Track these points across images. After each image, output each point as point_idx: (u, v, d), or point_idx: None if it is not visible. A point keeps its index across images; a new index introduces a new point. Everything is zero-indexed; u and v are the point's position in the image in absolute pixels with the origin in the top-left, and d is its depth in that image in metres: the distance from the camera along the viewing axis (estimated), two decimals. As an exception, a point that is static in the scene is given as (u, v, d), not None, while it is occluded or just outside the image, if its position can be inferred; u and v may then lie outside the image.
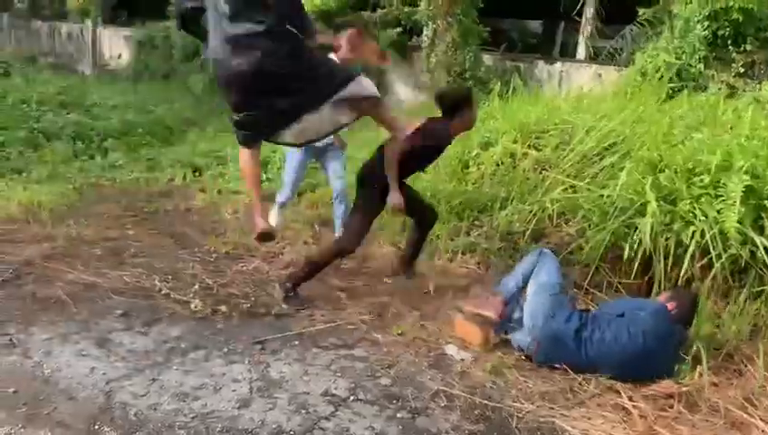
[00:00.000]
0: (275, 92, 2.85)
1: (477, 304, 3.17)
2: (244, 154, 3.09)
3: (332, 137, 3.87)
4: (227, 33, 2.74)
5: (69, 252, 3.99)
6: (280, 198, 4.43)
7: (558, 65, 9.93)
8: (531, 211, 4.28)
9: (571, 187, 4.28)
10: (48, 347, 2.86)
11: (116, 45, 12.53)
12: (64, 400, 2.49)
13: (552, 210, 4.20)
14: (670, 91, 6.70)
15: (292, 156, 4.26)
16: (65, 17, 13.53)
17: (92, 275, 3.65)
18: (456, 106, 3.58)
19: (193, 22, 2.97)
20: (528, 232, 4.20)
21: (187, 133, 7.41)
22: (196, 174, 6.07)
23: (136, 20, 12.08)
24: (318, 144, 3.85)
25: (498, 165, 5.01)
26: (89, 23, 12.71)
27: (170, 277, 3.72)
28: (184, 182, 5.86)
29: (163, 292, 3.49)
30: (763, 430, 2.53)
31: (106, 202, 5.14)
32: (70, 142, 6.41)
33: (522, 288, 3.14)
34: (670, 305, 2.96)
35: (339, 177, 4.25)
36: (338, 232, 4.23)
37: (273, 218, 4.32)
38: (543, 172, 4.72)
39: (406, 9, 10.56)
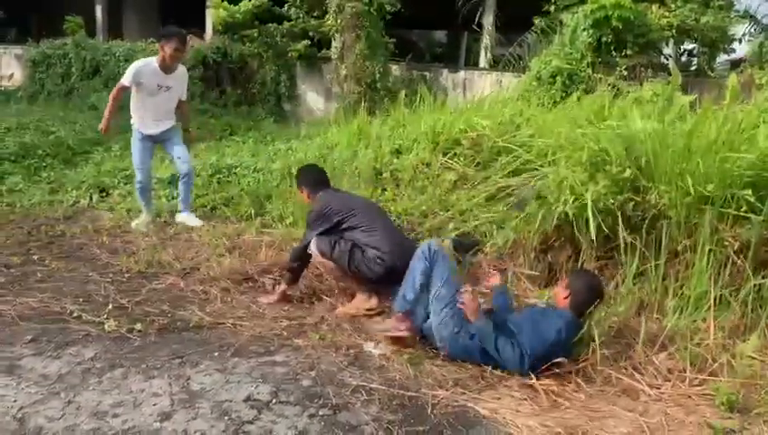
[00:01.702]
0: None
1: (388, 330, 3.25)
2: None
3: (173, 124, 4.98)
4: None
5: (-32, 281, 3.81)
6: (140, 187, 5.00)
7: (461, 73, 10.39)
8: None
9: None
10: (-49, 380, 2.74)
11: (7, 64, 11.89)
12: (-28, 431, 2.40)
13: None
14: (563, 94, 7.23)
15: (139, 146, 4.90)
16: (-52, 36, 12.70)
17: (-4, 303, 3.51)
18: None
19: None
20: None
21: (91, 153, 7.16)
22: (104, 194, 5.90)
23: (28, 38, 11.50)
24: (160, 131, 4.90)
25: (414, 172, 5.21)
26: (-26, 41, 12.01)
27: (81, 300, 3.63)
28: (90, 203, 5.68)
29: (75, 314, 3.41)
30: (648, 393, 2.83)
31: (6, 228, 4.91)
32: (-39, 168, 6.07)
33: (421, 291, 3.23)
34: (565, 293, 3.10)
35: (185, 161, 4.95)
36: (182, 207, 5.00)
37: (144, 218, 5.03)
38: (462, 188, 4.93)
39: (313, 21, 10.70)
